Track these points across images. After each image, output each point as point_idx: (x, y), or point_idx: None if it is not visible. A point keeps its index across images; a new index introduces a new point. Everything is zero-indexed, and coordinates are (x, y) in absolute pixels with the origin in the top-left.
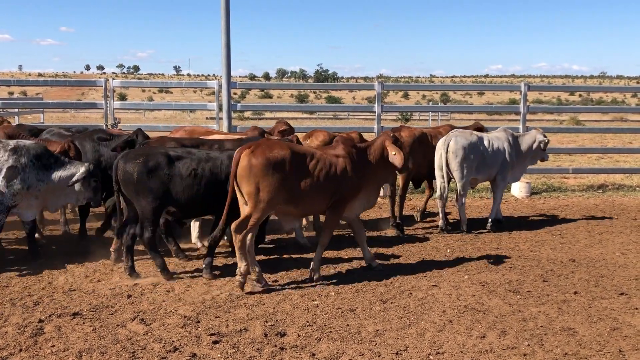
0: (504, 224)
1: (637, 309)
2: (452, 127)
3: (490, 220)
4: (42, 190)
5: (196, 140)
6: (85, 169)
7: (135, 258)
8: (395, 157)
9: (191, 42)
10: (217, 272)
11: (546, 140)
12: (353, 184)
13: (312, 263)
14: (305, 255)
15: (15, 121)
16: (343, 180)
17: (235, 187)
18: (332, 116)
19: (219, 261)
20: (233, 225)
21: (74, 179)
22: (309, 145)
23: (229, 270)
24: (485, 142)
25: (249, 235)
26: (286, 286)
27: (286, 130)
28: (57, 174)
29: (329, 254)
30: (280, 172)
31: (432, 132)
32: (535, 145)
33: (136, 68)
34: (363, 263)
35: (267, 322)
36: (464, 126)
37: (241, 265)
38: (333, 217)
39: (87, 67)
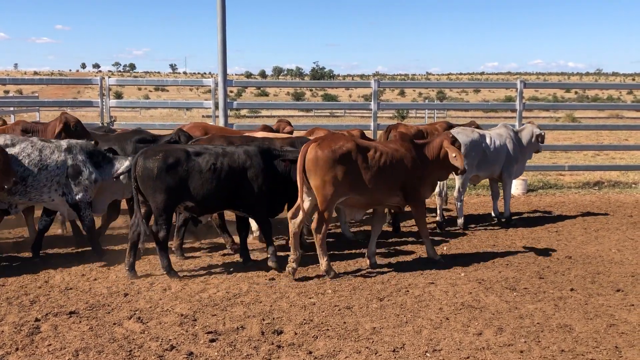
0: (499, 220)
1: (633, 305)
2: (448, 124)
3: (505, 216)
4: (106, 181)
5: (247, 139)
6: (129, 162)
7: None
8: (456, 159)
9: (187, 40)
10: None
11: (542, 133)
12: (412, 178)
13: (426, 251)
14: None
15: (10, 120)
16: (403, 173)
17: (299, 179)
18: (328, 114)
19: (215, 260)
20: (313, 225)
21: (119, 171)
22: None
23: (225, 269)
24: (487, 139)
25: (324, 227)
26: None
27: (291, 130)
28: (109, 170)
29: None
30: (346, 164)
31: (428, 129)
32: (533, 139)
33: (132, 66)
34: (361, 262)
35: (264, 320)
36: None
37: (322, 262)
38: (417, 208)
39: (83, 66)
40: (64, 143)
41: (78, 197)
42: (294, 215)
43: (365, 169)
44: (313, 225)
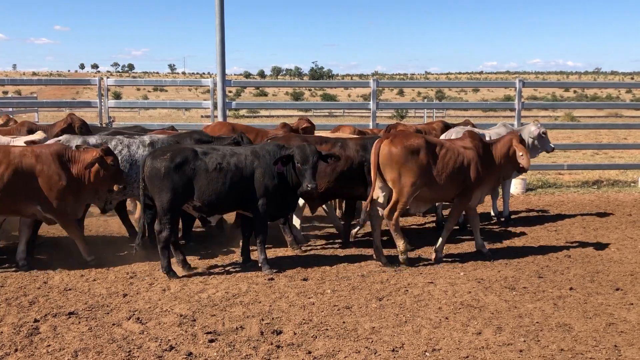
0: (498, 219)
1: (632, 304)
2: (445, 123)
3: (505, 215)
4: None
5: (320, 139)
6: None
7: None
8: (523, 157)
9: (186, 40)
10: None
11: (540, 132)
12: (478, 175)
13: (437, 244)
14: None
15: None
16: (469, 170)
17: (372, 174)
18: (327, 113)
19: (214, 260)
20: (385, 212)
21: None
22: None
23: (224, 270)
24: (487, 139)
25: (397, 215)
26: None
27: (308, 127)
28: None
29: (326, 252)
30: (417, 159)
31: (425, 128)
32: (533, 137)
33: (131, 66)
34: (362, 263)
35: (263, 320)
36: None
37: (400, 244)
38: (460, 204)
39: (82, 66)
40: (147, 138)
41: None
42: (373, 212)
43: (434, 165)
44: (385, 212)
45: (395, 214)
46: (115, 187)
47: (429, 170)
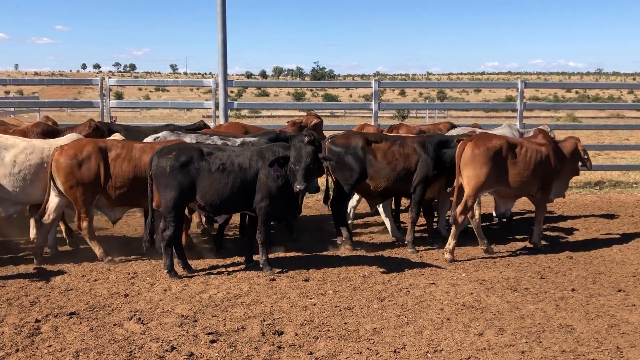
0: (500, 220)
1: (634, 305)
2: (451, 124)
3: (506, 216)
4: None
5: (380, 136)
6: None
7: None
8: (588, 161)
9: (187, 40)
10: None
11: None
12: (555, 170)
13: (532, 236)
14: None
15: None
16: (547, 166)
17: (457, 174)
18: (329, 114)
19: (216, 260)
20: (459, 209)
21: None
22: None
23: (226, 270)
24: None
25: (478, 213)
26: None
27: (318, 122)
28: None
29: (328, 252)
30: (498, 159)
31: (430, 129)
32: None
33: (132, 66)
34: (364, 264)
35: (264, 320)
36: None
37: (482, 243)
38: (543, 199)
39: (84, 66)
40: (238, 140)
41: None
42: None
43: (514, 164)
44: (459, 211)
45: (470, 214)
46: None
47: (509, 169)
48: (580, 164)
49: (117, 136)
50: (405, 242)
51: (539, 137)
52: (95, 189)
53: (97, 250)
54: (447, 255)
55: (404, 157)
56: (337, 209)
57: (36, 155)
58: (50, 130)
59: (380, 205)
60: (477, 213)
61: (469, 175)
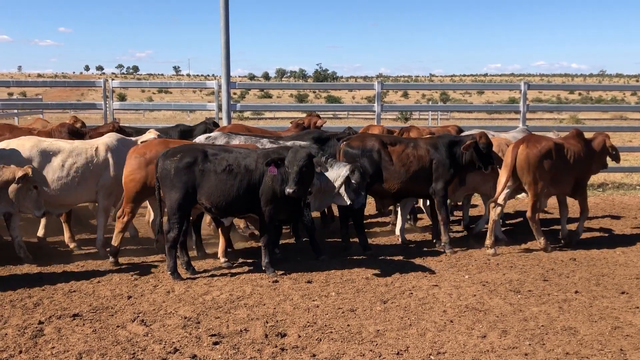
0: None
1: (638, 307)
2: (459, 128)
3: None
4: (321, 187)
5: (394, 139)
6: (346, 170)
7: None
8: (616, 156)
9: (190, 42)
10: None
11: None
12: (588, 168)
13: (577, 227)
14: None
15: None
16: (583, 165)
17: (506, 175)
18: (331, 116)
19: (218, 262)
20: (529, 214)
21: (340, 180)
22: None
23: (228, 272)
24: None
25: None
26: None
27: (323, 123)
28: (328, 175)
29: (330, 254)
30: (549, 160)
31: (440, 131)
32: None
33: (135, 68)
34: (366, 266)
35: (267, 322)
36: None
37: (541, 241)
38: (582, 196)
39: (87, 68)
40: (289, 144)
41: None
42: (496, 205)
43: (561, 164)
44: (528, 214)
45: (538, 214)
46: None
47: (557, 169)
48: (609, 158)
49: (152, 134)
50: (442, 244)
51: (575, 137)
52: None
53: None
54: (490, 251)
55: (418, 158)
56: (356, 214)
57: (82, 157)
58: (76, 131)
59: (401, 206)
60: (494, 213)
61: (529, 179)
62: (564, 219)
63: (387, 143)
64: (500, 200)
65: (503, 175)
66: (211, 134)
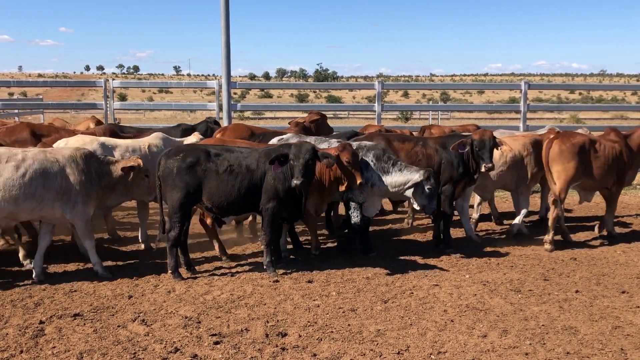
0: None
1: (638, 307)
2: (477, 127)
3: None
4: (382, 190)
5: (403, 137)
6: (419, 175)
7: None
8: None
9: (191, 42)
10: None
11: None
12: (627, 164)
13: (606, 226)
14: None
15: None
16: (621, 160)
17: (546, 169)
18: (332, 115)
19: (219, 262)
20: (551, 204)
21: (408, 185)
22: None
23: (229, 271)
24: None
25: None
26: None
27: (318, 119)
28: (395, 178)
29: (331, 254)
30: (581, 154)
31: (459, 129)
32: None
33: (136, 68)
34: (367, 266)
35: (268, 322)
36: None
37: (549, 235)
38: (617, 191)
39: (87, 68)
40: (353, 144)
41: (354, 197)
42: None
43: (596, 158)
44: (550, 205)
45: (560, 207)
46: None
47: (591, 163)
48: None
49: (196, 137)
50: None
51: (612, 135)
52: None
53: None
54: (548, 246)
55: (427, 157)
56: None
57: (137, 154)
58: (116, 131)
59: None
60: (560, 207)
61: (558, 170)
62: (610, 214)
63: (395, 142)
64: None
65: (546, 169)
66: (283, 136)
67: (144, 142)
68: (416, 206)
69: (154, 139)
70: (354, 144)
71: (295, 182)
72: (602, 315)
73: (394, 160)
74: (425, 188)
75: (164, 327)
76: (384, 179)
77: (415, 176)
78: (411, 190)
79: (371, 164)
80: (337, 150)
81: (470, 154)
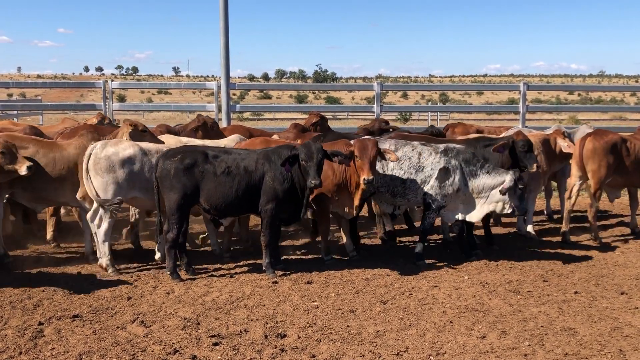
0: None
1: (637, 308)
2: (508, 128)
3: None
4: (466, 194)
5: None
6: (511, 176)
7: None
8: None
9: (190, 43)
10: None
11: None
12: None
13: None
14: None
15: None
16: None
17: (573, 167)
18: (331, 116)
19: (218, 263)
20: (590, 200)
21: (505, 186)
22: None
23: (228, 273)
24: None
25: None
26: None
27: (318, 121)
28: (482, 181)
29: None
30: (614, 152)
31: (486, 129)
32: None
33: (135, 69)
34: (366, 267)
35: (267, 323)
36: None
37: (594, 229)
38: None
39: (86, 69)
40: (441, 147)
41: (436, 199)
42: (570, 196)
43: (628, 156)
44: (589, 202)
45: (596, 204)
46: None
47: (623, 161)
48: None
49: (235, 139)
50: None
51: None
52: None
53: None
54: (597, 243)
55: None
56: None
57: None
58: (173, 132)
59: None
60: (596, 205)
61: (592, 169)
62: (634, 211)
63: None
64: (573, 192)
65: (573, 167)
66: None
67: (223, 143)
68: (508, 209)
69: (231, 141)
70: (442, 146)
71: (313, 182)
72: (601, 316)
73: (482, 163)
74: (517, 188)
75: (163, 328)
76: (470, 182)
77: (508, 177)
78: (493, 192)
79: (460, 167)
80: (348, 146)
81: (509, 154)
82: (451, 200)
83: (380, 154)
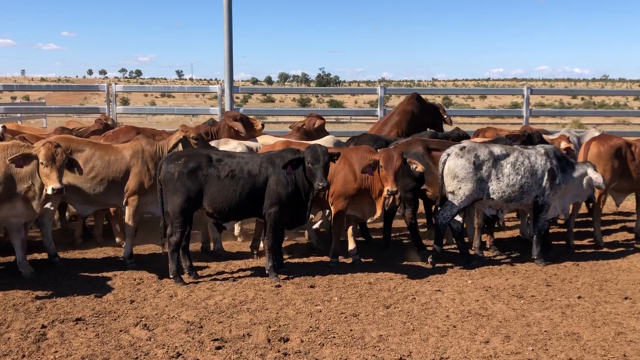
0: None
1: None
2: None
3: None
4: (562, 190)
5: (441, 144)
6: (592, 168)
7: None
8: None
9: (193, 46)
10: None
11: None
12: None
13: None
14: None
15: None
16: None
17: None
18: (334, 120)
19: (221, 267)
20: (595, 204)
21: (598, 180)
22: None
23: (231, 276)
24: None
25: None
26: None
27: (321, 124)
28: (572, 175)
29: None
30: (619, 157)
31: (512, 133)
32: None
33: (138, 72)
34: (369, 271)
35: (270, 327)
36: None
37: (597, 237)
38: None
39: (90, 72)
40: (541, 148)
41: (547, 199)
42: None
43: (632, 160)
44: (595, 205)
45: (601, 206)
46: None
47: (627, 165)
48: None
49: (263, 138)
50: (474, 248)
51: None
52: None
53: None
54: (602, 246)
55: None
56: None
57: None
58: (207, 132)
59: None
60: (601, 206)
61: (601, 172)
62: None
63: (433, 148)
64: None
65: None
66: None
67: (253, 145)
68: (584, 198)
69: (326, 142)
70: (540, 147)
71: (321, 184)
72: (604, 321)
73: (567, 160)
74: (593, 178)
75: (166, 331)
76: (566, 178)
77: (590, 169)
78: (576, 184)
79: (558, 165)
80: (371, 153)
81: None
82: (555, 198)
83: (406, 164)
